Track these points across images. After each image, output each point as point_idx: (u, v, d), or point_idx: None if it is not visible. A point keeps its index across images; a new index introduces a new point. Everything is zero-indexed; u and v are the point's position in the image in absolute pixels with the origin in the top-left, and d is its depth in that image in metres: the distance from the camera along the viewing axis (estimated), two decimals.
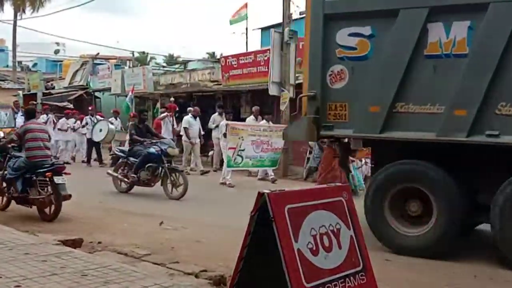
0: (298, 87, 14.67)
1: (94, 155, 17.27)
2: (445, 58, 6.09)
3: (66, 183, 7.83)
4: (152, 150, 10.56)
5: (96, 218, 8.14)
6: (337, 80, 6.79)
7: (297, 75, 14.60)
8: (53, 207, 7.78)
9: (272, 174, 13.50)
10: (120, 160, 11.22)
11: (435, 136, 6.12)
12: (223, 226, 7.74)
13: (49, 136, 8.77)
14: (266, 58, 15.53)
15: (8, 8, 38.64)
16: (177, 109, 16.19)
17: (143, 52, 41.35)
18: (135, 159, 10.71)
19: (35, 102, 23.25)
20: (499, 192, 5.81)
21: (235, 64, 17.41)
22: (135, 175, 10.56)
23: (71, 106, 24.78)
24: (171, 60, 40.78)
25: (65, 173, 7.98)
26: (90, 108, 19.31)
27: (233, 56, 17.97)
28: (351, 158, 11.38)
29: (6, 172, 8.19)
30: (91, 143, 16.93)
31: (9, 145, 8.38)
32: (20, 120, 15.34)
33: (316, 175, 13.64)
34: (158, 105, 20.91)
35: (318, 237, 3.32)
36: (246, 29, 26.32)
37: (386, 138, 6.53)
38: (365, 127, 6.65)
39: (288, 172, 14.37)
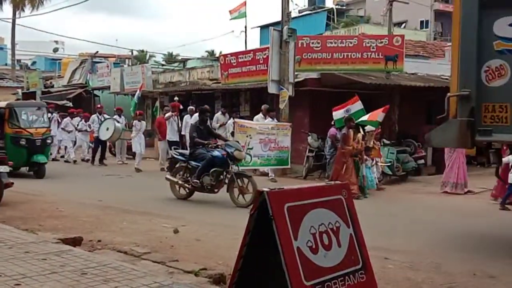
0: (297, 85, 14.71)
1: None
2: None
3: (7, 172, 8.49)
4: (217, 153, 9.78)
5: (96, 216, 8.16)
6: (495, 77, 5.95)
7: (296, 73, 14.62)
8: None
9: (273, 174, 13.53)
10: (179, 164, 10.36)
11: None
12: (222, 224, 7.75)
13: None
14: (265, 56, 15.52)
15: (7, 6, 38.72)
16: (181, 107, 16.16)
17: (142, 51, 41.38)
18: (197, 163, 9.88)
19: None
20: None
21: (234, 63, 17.39)
22: (197, 181, 9.76)
23: (70, 104, 24.77)
24: (170, 58, 40.79)
25: (6, 164, 8.49)
26: (98, 106, 19.28)
27: (232, 54, 17.95)
28: (365, 157, 11.41)
29: None
30: (98, 142, 16.90)
31: None
32: None
33: (316, 174, 13.71)
34: (157, 103, 20.92)
35: (318, 235, 3.33)
36: (245, 27, 26.36)
37: None
38: None
39: (287, 171, 14.37)
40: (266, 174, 13.77)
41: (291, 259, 3.10)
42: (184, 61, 28.91)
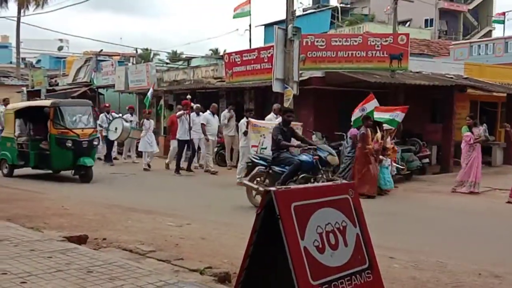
0: (302, 84, 14.68)
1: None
2: None
3: None
4: (305, 158, 9.16)
5: (101, 214, 8.17)
6: None
7: (300, 72, 14.58)
8: None
9: None
10: (258, 169, 9.56)
11: None
12: (227, 223, 7.75)
13: None
14: (269, 54, 15.50)
15: (12, 5, 38.81)
16: (192, 105, 16.13)
17: (147, 49, 41.43)
18: (281, 169, 9.15)
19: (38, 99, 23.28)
20: None
21: (238, 61, 17.37)
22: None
23: None
24: (174, 56, 40.81)
25: None
26: (106, 105, 19.26)
27: (236, 52, 17.92)
28: (380, 157, 11.26)
29: None
30: (109, 141, 16.87)
31: None
32: None
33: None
34: (162, 102, 20.94)
35: (324, 235, 3.31)
36: (250, 25, 26.30)
37: None
38: None
39: None
40: None
41: (298, 258, 3.10)
42: (188, 59, 28.88)
